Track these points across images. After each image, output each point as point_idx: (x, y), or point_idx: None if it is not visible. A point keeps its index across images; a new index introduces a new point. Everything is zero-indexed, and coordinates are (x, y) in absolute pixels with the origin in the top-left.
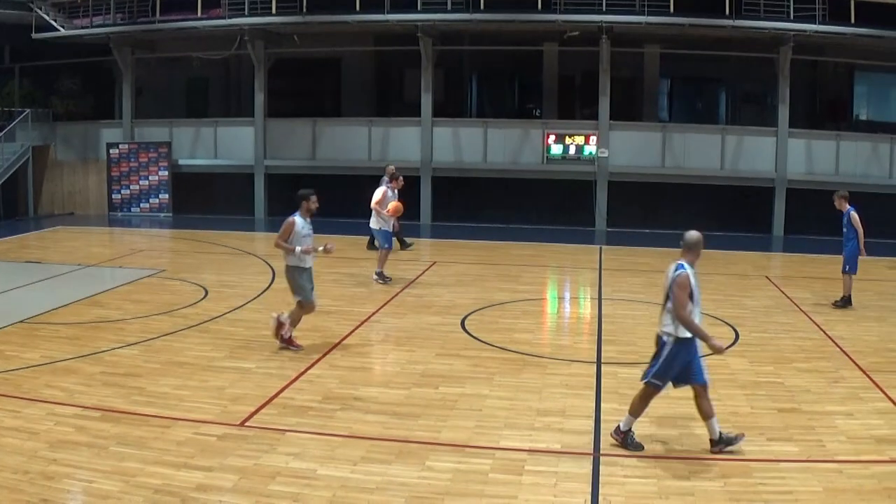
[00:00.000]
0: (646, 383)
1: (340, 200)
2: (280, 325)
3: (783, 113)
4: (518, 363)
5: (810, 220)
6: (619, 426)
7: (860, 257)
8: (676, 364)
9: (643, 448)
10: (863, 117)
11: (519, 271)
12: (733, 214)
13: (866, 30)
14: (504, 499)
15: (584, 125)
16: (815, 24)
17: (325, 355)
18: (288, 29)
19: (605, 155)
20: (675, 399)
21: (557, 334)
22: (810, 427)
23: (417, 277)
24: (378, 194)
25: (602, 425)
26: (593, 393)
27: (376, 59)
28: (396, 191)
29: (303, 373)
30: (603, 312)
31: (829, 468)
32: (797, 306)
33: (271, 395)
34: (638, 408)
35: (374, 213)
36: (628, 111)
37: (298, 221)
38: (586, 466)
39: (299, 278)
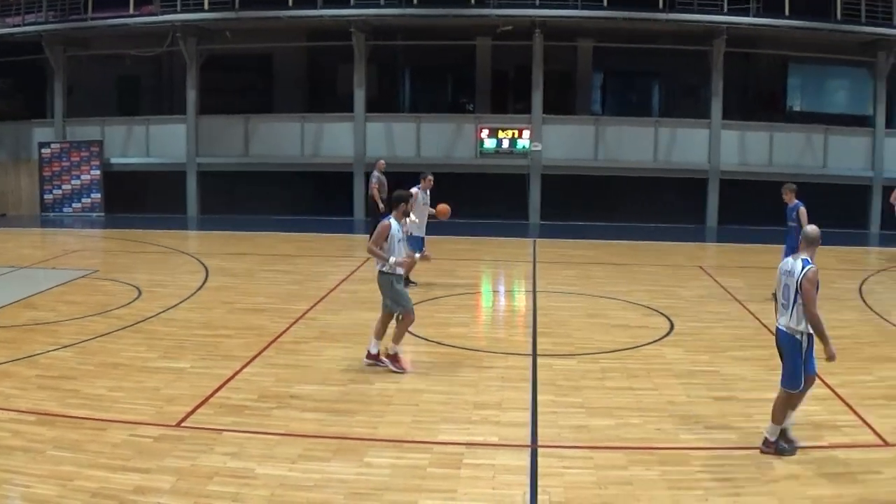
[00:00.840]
0: (791, 392)
1: (273, 197)
2: (394, 359)
3: (716, 105)
4: (454, 357)
5: (744, 210)
6: (766, 439)
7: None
8: (812, 360)
9: (797, 446)
10: (796, 108)
11: (453, 265)
12: (667, 206)
13: (800, 22)
14: (443, 492)
15: (517, 119)
16: (749, 16)
17: (259, 353)
18: (220, 25)
19: (539, 149)
20: (612, 389)
21: (493, 328)
22: (748, 414)
23: (352, 273)
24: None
25: (539, 417)
26: (529, 385)
27: (309, 55)
28: (428, 191)
29: (238, 371)
30: (538, 305)
31: (768, 455)
32: (732, 295)
33: (207, 395)
34: (780, 414)
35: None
36: (562, 105)
37: (394, 225)
38: (524, 459)
39: (396, 285)
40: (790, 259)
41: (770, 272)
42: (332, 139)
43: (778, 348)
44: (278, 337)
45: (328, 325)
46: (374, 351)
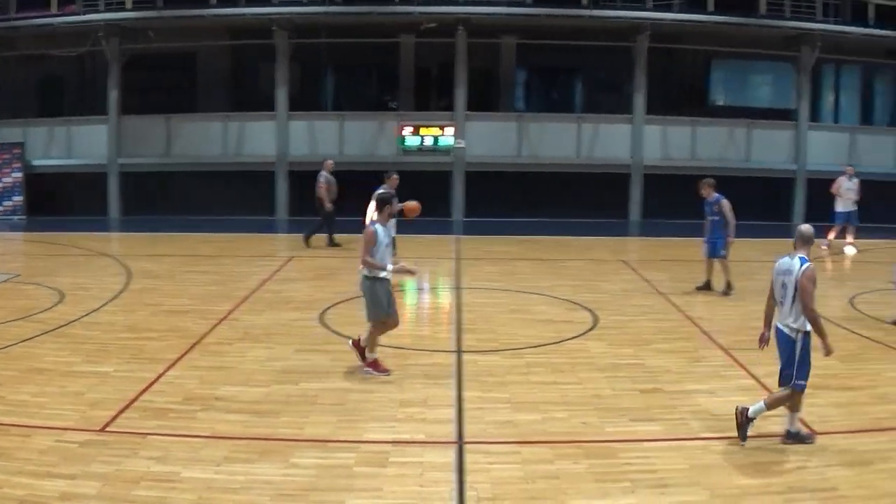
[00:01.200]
0: (794, 389)
1: (196, 198)
2: (361, 348)
3: (639, 100)
4: (378, 356)
5: (667, 204)
6: (788, 430)
7: (729, 240)
8: (809, 357)
9: (812, 437)
10: (720, 103)
11: None
12: (590, 201)
13: (723, 17)
14: (370, 491)
15: (440, 116)
16: (673, 12)
17: (183, 356)
18: (143, 24)
19: (462, 146)
20: (537, 384)
21: (417, 325)
22: (673, 406)
23: (275, 273)
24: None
25: (464, 413)
26: (454, 382)
27: (232, 54)
28: (393, 191)
29: (162, 374)
30: (462, 301)
31: (695, 445)
32: (655, 289)
33: (131, 399)
34: (797, 406)
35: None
36: (485, 102)
37: (380, 231)
38: (451, 455)
39: (378, 290)
40: (787, 258)
41: (694, 265)
42: (254, 138)
43: (777, 346)
44: (202, 339)
45: (251, 325)
46: (370, 358)
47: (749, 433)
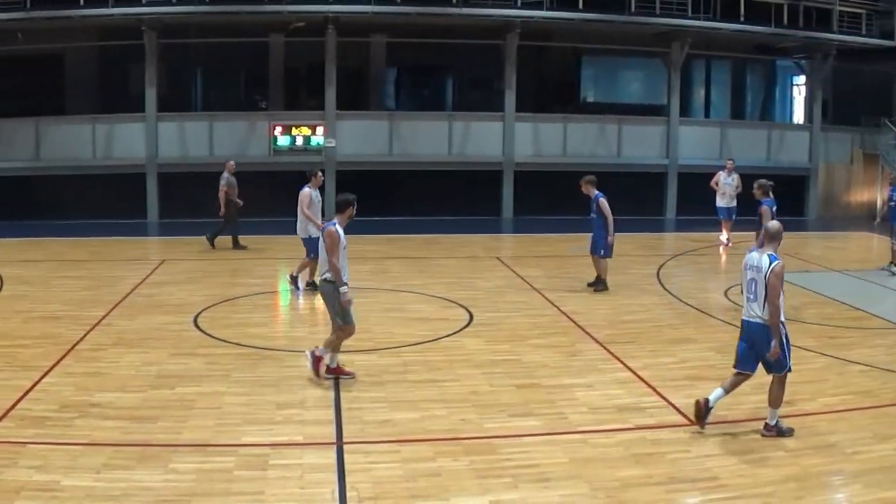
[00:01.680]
0: (783, 374)
1: (67, 201)
2: (318, 359)
3: (510, 98)
4: (254, 358)
5: (539, 200)
6: (766, 423)
7: (609, 239)
8: (789, 342)
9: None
10: (590, 100)
11: (250, 265)
12: (463, 199)
13: (594, 15)
14: (250, 495)
15: (311, 116)
16: (543, 10)
17: (58, 363)
18: (12, 26)
19: (333, 145)
20: (415, 383)
21: (292, 326)
22: (551, 401)
23: (147, 277)
24: (304, 198)
25: (343, 414)
26: (331, 382)
27: (101, 55)
28: (318, 189)
29: (37, 382)
30: None
31: (574, 439)
32: (530, 285)
33: (7, 408)
34: (778, 398)
35: (301, 219)
36: (355, 101)
37: (341, 231)
38: (330, 456)
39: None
40: (755, 254)
41: (566, 260)
42: (123, 140)
43: (748, 340)
44: (76, 345)
45: (125, 330)
46: (332, 365)
47: (638, 424)
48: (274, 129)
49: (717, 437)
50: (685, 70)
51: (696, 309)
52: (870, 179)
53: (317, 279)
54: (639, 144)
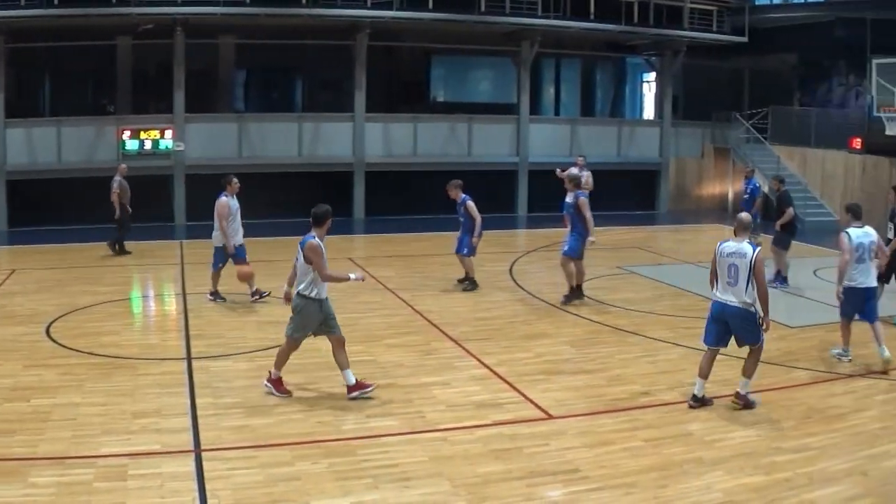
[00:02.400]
0: (759, 346)
1: None
2: (277, 382)
3: (360, 98)
4: (108, 367)
5: (390, 201)
6: (738, 392)
7: (474, 240)
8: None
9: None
10: (440, 99)
11: (101, 272)
12: (313, 200)
13: (443, 14)
14: None
15: (159, 119)
16: (393, 10)
17: None
18: None
19: (181, 148)
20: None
21: (145, 333)
22: (408, 400)
23: None
24: (222, 208)
25: (199, 421)
26: (186, 390)
27: None
28: (235, 196)
29: None
30: (188, 307)
31: (433, 437)
32: (383, 285)
33: None
34: (752, 369)
35: (218, 228)
36: (204, 103)
37: (322, 244)
38: (189, 464)
39: (312, 311)
40: (732, 242)
41: (418, 259)
42: None
43: (721, 322)
44: None
45: None
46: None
47: (496, 420)
48: (122, 133)
49: (576, 430)
50: (535, 68)
51: (550, 304)
52: (721, 173)
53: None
54: (489, 143)
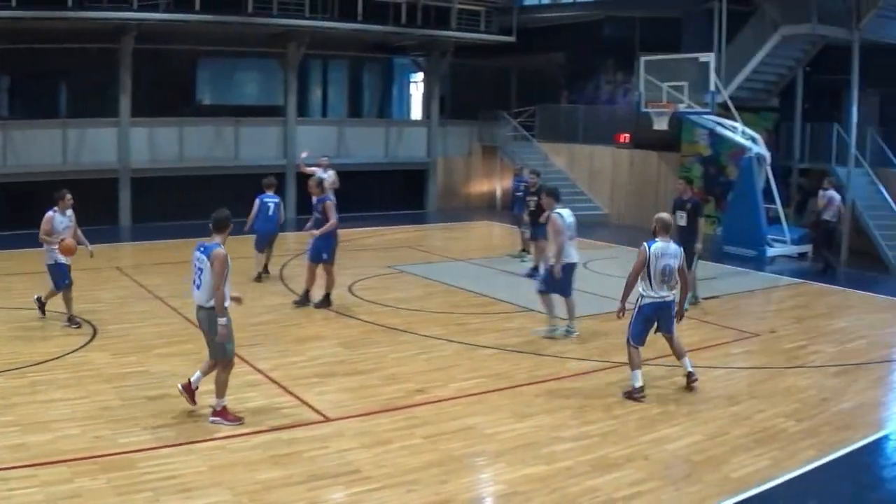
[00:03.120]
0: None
1: None
2: (190, 389)
3: (125, 103)
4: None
5: (157, 207)
6: (689, 372)
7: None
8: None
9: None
10: (206, 102)
11: None
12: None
13: (210, 16)
14: None
15: None
16: (160, 12)
17: None
18: None
19: None
20: (44, 403)
21: None
22: (184, 410)
23: None
24: (45, 223)
25: None
26: None
27: None
28: (68, 212)
29: None
30: None
31: (212, 446)
32: (153, 294)
33: None
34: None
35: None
36: None
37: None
38: None
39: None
40: (662, 243)
41: (187, 266)
42: None
43: (653, 319)
44: None
45: None
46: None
47: (273, 426)
48: None
49: (354, 431)
50: (302, 70)
51: (326, 309)
52: (489, 171)
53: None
54: (257, 145)
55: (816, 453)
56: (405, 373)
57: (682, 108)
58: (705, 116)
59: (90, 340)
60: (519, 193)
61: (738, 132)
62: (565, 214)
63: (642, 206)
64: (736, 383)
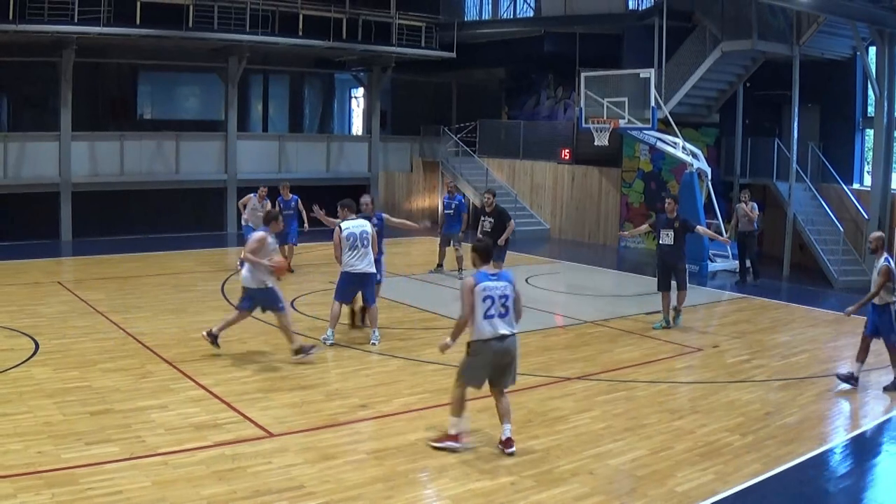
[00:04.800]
0: None
1: None
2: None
3: (66, 116)
4: None
5: (98, 221)
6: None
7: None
8: None
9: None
10: (147, 116)
11: None
12: (19, 223)
13: (150, 30)
14: None
15: None
16: (100, 26)
17: None
18: None
19: None
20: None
21: None
22: (127, 425)
23: None
24: None
25: None
26: None
27: None
28: None
29: None
30: None
31: (155, 462)
32: (94, 308)
33: None
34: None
35: None
36: None
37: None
38: None
39: None
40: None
41: (128, 281)
42: None
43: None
44: None
45: None
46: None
47: (216, 441)
48: None
49: (298, 447)
50: (243, 85)
51: (264, 322)
52: (430, 186)
53: None
54: (197, 160)
55: (761, 467)
56: (349, 388)
57: (623, 123)
58: (646, 132)
59: (31, 355)
60: (449, 211)
61: (679, 147)
62: (346, 225)
63: (584, 222)
64: (679, 398)
